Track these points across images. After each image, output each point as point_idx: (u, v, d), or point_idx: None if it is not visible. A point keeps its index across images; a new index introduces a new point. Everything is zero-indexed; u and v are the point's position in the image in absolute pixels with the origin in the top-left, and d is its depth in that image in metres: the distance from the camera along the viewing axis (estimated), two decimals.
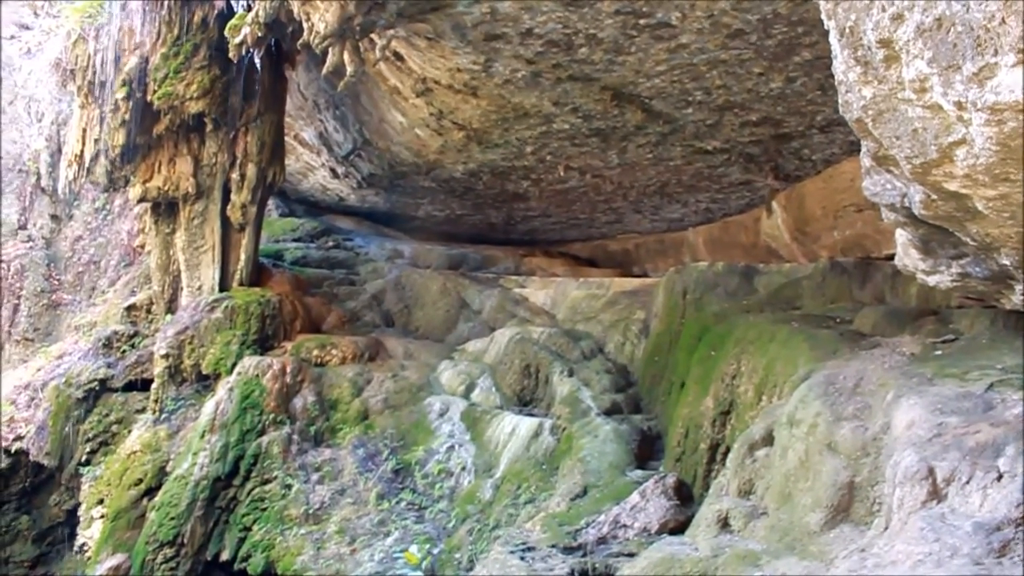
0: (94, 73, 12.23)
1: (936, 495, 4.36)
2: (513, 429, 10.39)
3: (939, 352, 6.47)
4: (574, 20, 8.43)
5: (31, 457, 12.42)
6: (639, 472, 9.16)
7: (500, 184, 13.99)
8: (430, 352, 12.75)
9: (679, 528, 7.45)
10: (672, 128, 10.90)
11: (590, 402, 10.57)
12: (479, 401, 11.36)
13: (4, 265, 17.57)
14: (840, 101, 3.45)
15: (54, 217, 18.11)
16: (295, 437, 10.84)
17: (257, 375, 11.17)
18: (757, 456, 6.63)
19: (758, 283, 10.54)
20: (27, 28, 17.96)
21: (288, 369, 11.33)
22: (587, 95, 10.22)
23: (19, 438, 12.71)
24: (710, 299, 10.48)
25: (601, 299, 13.42)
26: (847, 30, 3.05)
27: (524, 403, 11.44)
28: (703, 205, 13.89)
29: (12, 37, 17.78)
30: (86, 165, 12.70)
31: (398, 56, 10.32)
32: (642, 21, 8.30)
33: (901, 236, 4.82)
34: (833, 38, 3.29)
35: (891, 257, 8.39)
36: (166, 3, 11.44)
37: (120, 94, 11.87)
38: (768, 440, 6.63)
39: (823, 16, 3.35)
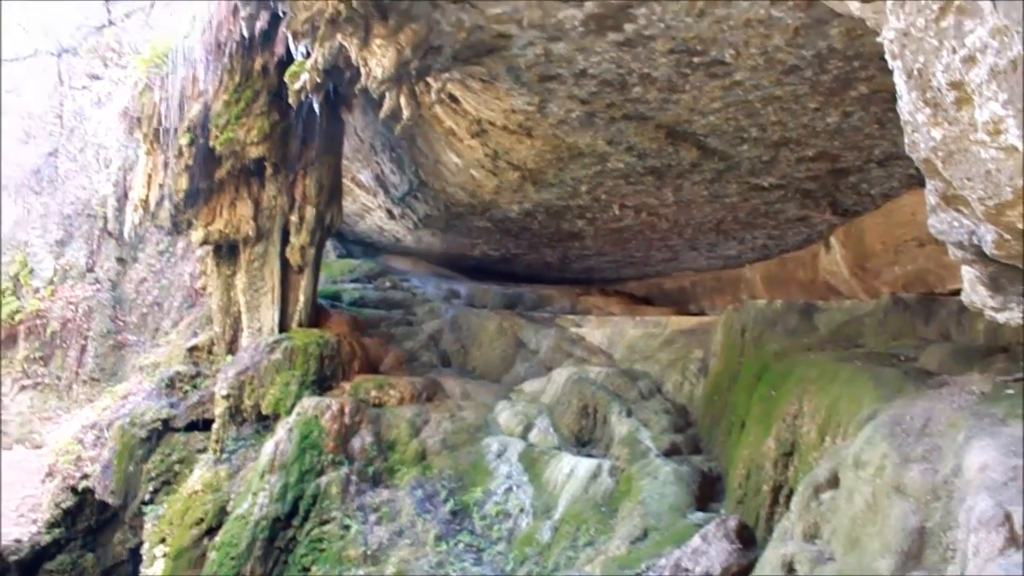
0: (159, 120, 12.56)
1: (1014, 542, 4.20)
2: (571, 470, 10.31)
3: (1010, 391, 6.28)
4: (628, 60, 8.46)
5: (96, 496, 12.65)
6: (700, 514, 9.01)
7: (555, 223, 14.03)
8: (487, 392, 12.75)
9: (742, 572, 7.29)
10: (728, 165, 10.85)
11: (649, 443, 10.46)
12: (537, 442, 11.30)
13: (72, 307, 18.05)
14: (906, 141, 3.40)
15: (120, 260, 18.59)
16: (353, 478, 10.88)
17: (316, 416, 11.26)
18: (822, 499, 6.47)
19: (818, 320, 10.37)
20: (97, 79, 18.58)
21: (346, 410, 11.40)
22: (641, 134, 10.23)
23: (85, 476, 12.96)
24: (769, 337, 10.33)
25: (658, 338, 13.32)
26: (915, 72, 3.00)
27: (582, 444, 11.35)
28: (760, 242, 13.75)
29: (83, 87, 18.40)
30: (151, 209, 13.00)
31: (453, 98, 10.46)
32: (696, 60, 8.30)
33: (968, 273, 4.71)
34: (898, 79, 3.25)
35: (956, 292, 8.19)
36: (228, 52, 11.74)
37: (184, 140, 12.18)
38: (833, 482, 6.47)
39: (887, 56, 3.31)
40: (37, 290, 18.18)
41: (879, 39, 3.48)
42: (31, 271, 18.34)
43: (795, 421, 8.11)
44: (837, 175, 10.67)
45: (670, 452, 10.31)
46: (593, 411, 11.49)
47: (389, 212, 16.02)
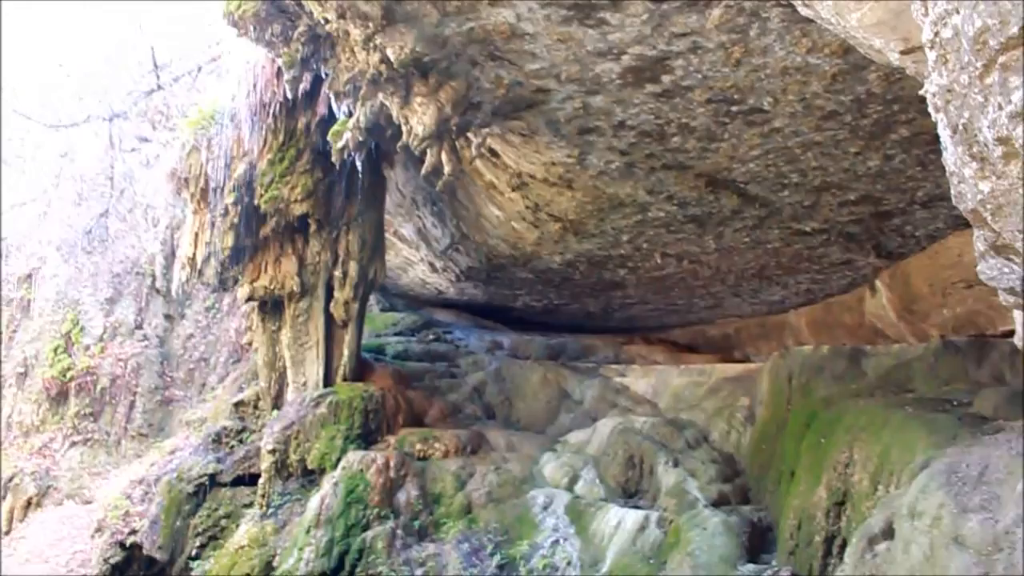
0: (206, 180, 12.86)
1: None
2: (619, 522, 10.19)
3: None
4: (666, 111, 8.53)
5: (144, 551, 12.71)
6: (751, 566, 8.84)
7: (597, 273, 14.04)
8: (532, 444, 12.68)
9: None
10: (769, 211, 10.81)
11: (697, 493, 10.32)
12: (583, 493, 11.20)
13: (122, 364, 18.35)
14: (953, 192, 3.38)
15: (168, 317, 18.91)
16: (399, 532, 10.84)
17: (361, 469, 11.27)
18: (877, 550, 6.32)
19: (866, 366, 10.22)
20: (146, 141, 19.10)
21: (392, 463, 11.41)
22: (682, 183, 10.25)
23: (133, 532, 13.05)
24: (817, 384, 10.19)
25: (703, 386, 13.20)
26: (960, 127, 3.00)
27: (629, 495, 11.23)
28: (804, 286, 13.63)
29: (133, 150, 18.91)
30: (198, 267, 13.24)
31: (493, 152, 10.58)
32: (734, 108, 8.34)
33: (1021, 317, 4.63)
34: (943, 131, 3.24)
35: (1008, 334, 8.04)
36: (272, 112, 12.03)
37: (230, 199, 12.44)
38: (888, 533, 6.33)
39: (931, 110, 3.31)
40: (88, 347, 18.52)
41: (921, 92, 3.48)
42: (82, 329, 18.71)
43: (846, 470, 7.96)
44: (881, 218, 10.58)
45: (718, 502, 10.16)
46: (639, 461, 11.37)
47: (431, 265, 16.14)
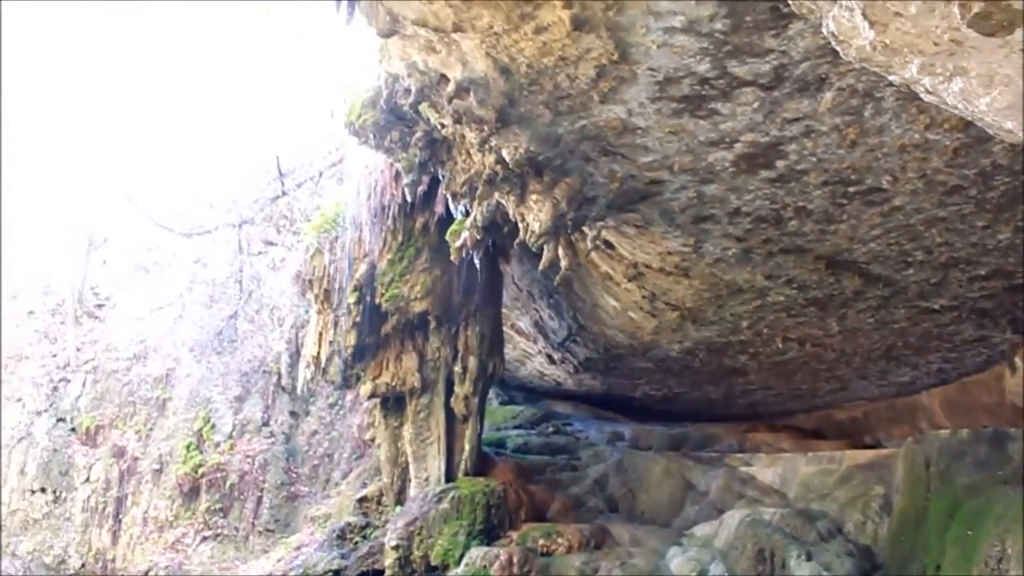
0: (329, 281, 13.35)
1: None
2: None
3: None
4: (781, 195, 8.47)
5: None
6: None
7: (717, 360, 13.83)
8: (657, 537, 12.38)
9: None
10: (893, 290, 10.50)
11: None
12: None
13: (250, 460, 18.89)
14: None
15: (293, 414, 19.46)
16: None
17: (485, 566, 11.20)
18: None
19: (1012, 450, 9.64)
20: (272, 245, 20.02)
21: (515, 559, 11.30)
22: (800, 266, 10.09)
23: None
24: (958, 470, 9.66)
25: (834, 474, 12.67)
26: None
27: None
28: (935, 366, 13.08)
29: (260, 254, 19.84)
30: (322, 365, 13.65)
31: (608, 244, 10.66)
32: (851, 189, 8.22)
33: None
34: None
35: None
36: (391, 214, 12.49)
37: (352, 299, 12.87)
38: None
39: None
40: (218, 444, 19.18)
41: None
42: (213, 426, 19.42)
43: (999, 565, 7.49)
44: (1015, 292, 10.14)
45: None
46: (770, 555, 10.93)
47: (549, 357, 16.20)
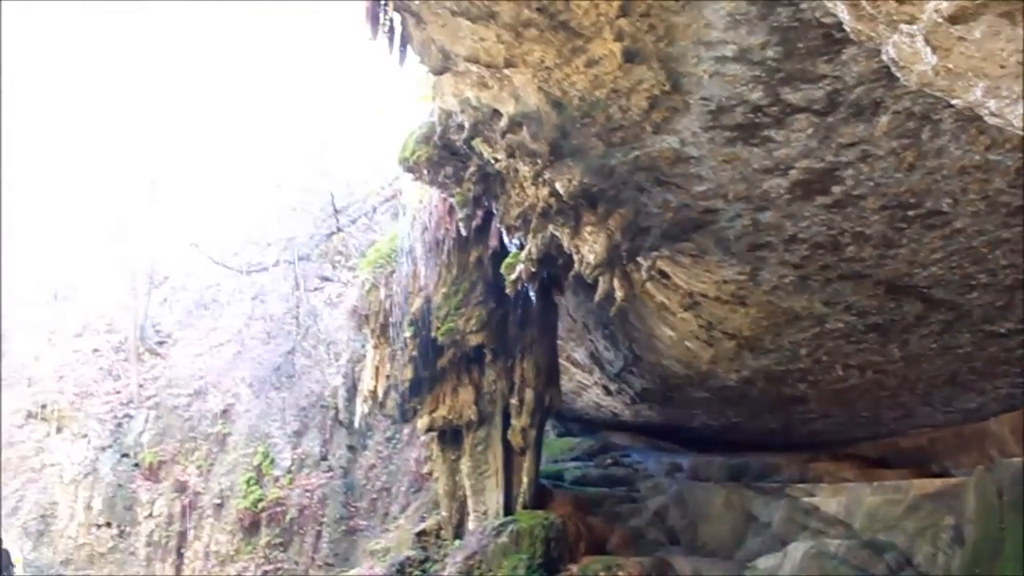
0: (385, 316, 13.48)
1: None
2: None
3: None
4: (838, 221, 8.37)
5: None
6: None
7: (776, 389, 13.62)
8: (719, 570, 12.18)
9: None
10: (957, 315, 10.27)
11: None
12: None
13: (309, 494, 19.04)
14: None
15: (351, 448, 19.60)
16: None
17: None
18: None
19: None
20: (328, 280, 20.30)
21: None
22: (859, 292, 9.93)
23: None
24: None
25: (901, 504, 12.36)
26: None
27: None
28: (1004, 391, 12.72)
29: (316, 289, 20.12)
30: (379, 399, 13.75)
31: (663, 274, 10.61)
32: (911, 213, 8.09)
33: None
34: None
35: None
36: (445, 248, 12.60)
37: (408, 333, 12.97)
38: None
39: None
40: (277, 479, 19.36)
41: None
42: (272, 461, 19.63)
43: None
44: None
45: None
46: None
47: (605, 388, 16.11)
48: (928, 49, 3.28)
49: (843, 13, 3.59)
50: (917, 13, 3.18)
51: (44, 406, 20.80)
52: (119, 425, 20.54)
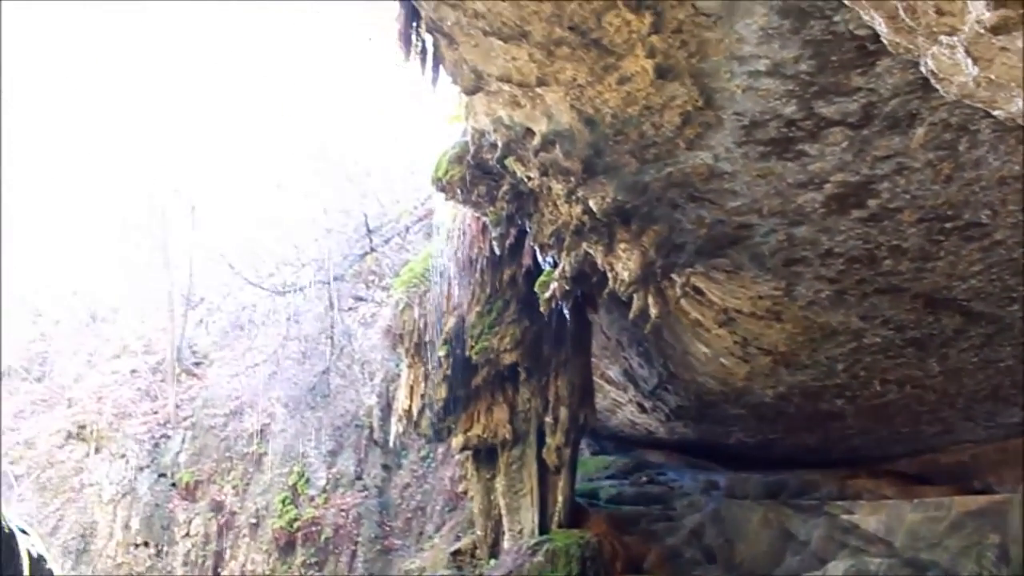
0: (419, 335, 13.53)
1: None
2: None
3: None
4: (874, 235, 8.30)
5: None
6: None
7: (812, 405, 13.49)
8: None
9: None
10: (998, 328, 10.12)
11: None
12: None
13: (344, 514, 19.09)
14: None
15: (386, 467, 19.63)
16: None
17: None
18: None
19: None
20: (362, 300, 20.42)
21: None
22: (897, 306, 9.83)
23: None
24: None
25: (943, 522, 12.17)
26: None
27: None
28: None
29: (350, 309, 20.25)
30: (414, 418, 13.78)
31: (697, 290, 10.57)
32: (948, 225, 8.01)
33: None
34: None
35: None
36: (479, 267, 12.65)
37: (442, 352, 13.01)
38: None
39: None
40: (312, 498, 19.43)
41: None
42: (307, 481, 19.71)
43: None
44: None
45: None
46: None
47: (640, 406, 16.04)
48: (969, 60, 3.25)
49: (880, 26, 3.58)
50: (958, 24, 3.16)
51: (83, 427, 21.07)
52: (156, 445, 20.74)
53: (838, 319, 10.27)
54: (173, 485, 20.24)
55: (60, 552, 18.85)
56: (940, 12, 3.22)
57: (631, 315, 9.16)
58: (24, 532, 7.84)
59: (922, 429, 14.25)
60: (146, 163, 24.98)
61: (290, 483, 19.73)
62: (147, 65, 26.13)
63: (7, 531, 7.32)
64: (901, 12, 3.38)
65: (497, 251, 11.56)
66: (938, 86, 3.63)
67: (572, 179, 7.79)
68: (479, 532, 13.88)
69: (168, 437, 20.84)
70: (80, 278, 25.10)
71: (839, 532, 13.16)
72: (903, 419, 13.82)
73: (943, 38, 3.29)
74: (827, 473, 16.20)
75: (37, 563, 7.87)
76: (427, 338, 13.38)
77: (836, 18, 5.67)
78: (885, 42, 3.73)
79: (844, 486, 15.53)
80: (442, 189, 9.99)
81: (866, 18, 3.68)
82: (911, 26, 3.41)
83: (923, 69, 3.57)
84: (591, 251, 8.59)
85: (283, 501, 19.53)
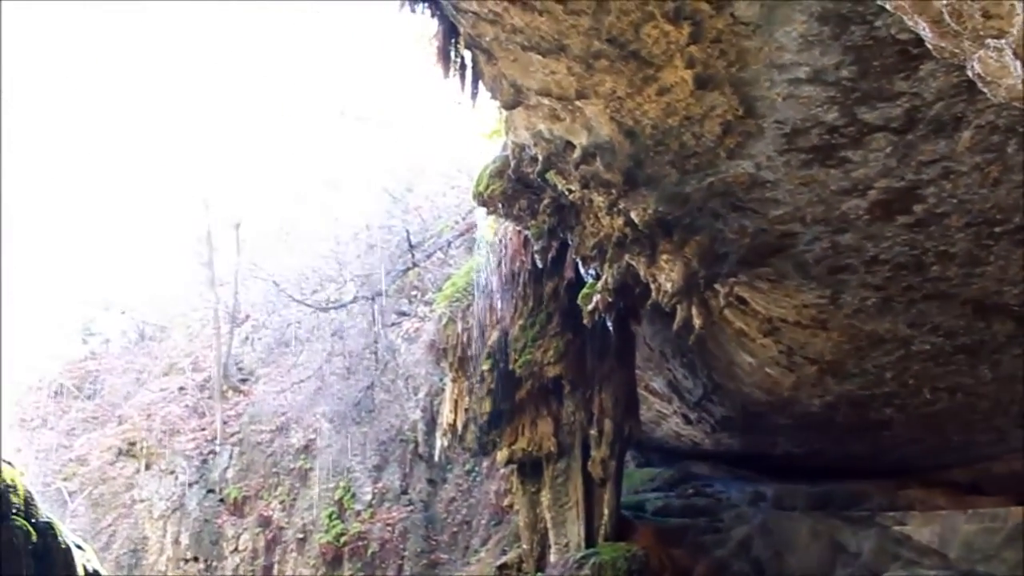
0: (463, 349, 13.57)
1: None
2: None
3: None
4: (921, 240, 8.20)
5: None
6: None
7: (861, 414, 13.29)
8: None
9: None
10: None
11: None
12: None
13: (390, 528, 19.17)
14: None
15: (431, 481, 19.70)
16: None
17: None
18: None
19: None
20: (405, 315, 20.54)
21: None
22: (945, 312, 9.68)
23: None
24: None
25: (999, 533, 11.94)
26: None
27: None
28: None
29: (393, 325, 20.38)
30: (458, 432, 13.80)
31: (741, 300, 10.49)
32: (997, 229, 7.89)
33: None
34: None
35: None
36: (521, 280, 12.67)
37: (485, 366, 13.03)
38: None
39: None
40: (359, 513, 19.55)
41: None
42: (353, 495, 19.84)
43: None
44: None
45: None
46: None
47: (685, 417, 15.93)
48: (1017, 63, 3.22)
49: (924, 31, 3.55)
50: (1006, 27, 3.13)
51: (134, 443, 21.44)
52: (204, 461, 21.03)
53: (885, 327, 10.14)
54: (221, 501, 20.50)
55: (113, 567, 19.17)
56: (987, 15, 3.19)
57: (675, 326, 9.13)
58: (80, 548, 8.00)
59: (974, 438, 13.99)
60: (193, 182, 25.43)
61: (336, 498, 19.87)
62: (197, 82, 26.64)
63: (64, 546, 7.48)
64: (946, 16, 3.36)
65: (539, 264, 11.56)
66: (985, 89, 3.59)
67: (613, 191, 7.80)
68: (525, 546, 13.84)
69: (216, 453, 21.12)
70: (129, 297, 25.58)
71: (891, 544, 12.95)
72: (954, 427, 13.58)
73: (990, 41, 3.26)
74: (877, 483, 15.93)
75: None
76: (471, 352, 13.41)
77: (877, 23, 5.63)
78: (929, 46, 3.70)
79: (895, 496, 15.26)
80: (483, 203, 10.04)
81: (909, 23, 3.66)
82: (956, 30, 3.38)
83: (969, 73, 3.53)
84: (633, 263, 8.58)
85: (329, 516, 19.67)
